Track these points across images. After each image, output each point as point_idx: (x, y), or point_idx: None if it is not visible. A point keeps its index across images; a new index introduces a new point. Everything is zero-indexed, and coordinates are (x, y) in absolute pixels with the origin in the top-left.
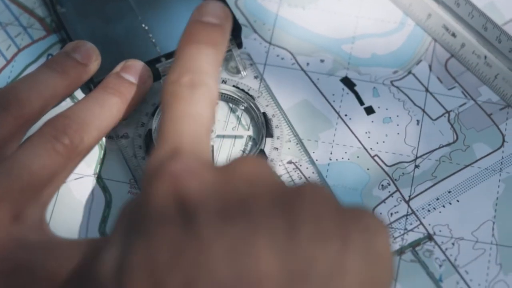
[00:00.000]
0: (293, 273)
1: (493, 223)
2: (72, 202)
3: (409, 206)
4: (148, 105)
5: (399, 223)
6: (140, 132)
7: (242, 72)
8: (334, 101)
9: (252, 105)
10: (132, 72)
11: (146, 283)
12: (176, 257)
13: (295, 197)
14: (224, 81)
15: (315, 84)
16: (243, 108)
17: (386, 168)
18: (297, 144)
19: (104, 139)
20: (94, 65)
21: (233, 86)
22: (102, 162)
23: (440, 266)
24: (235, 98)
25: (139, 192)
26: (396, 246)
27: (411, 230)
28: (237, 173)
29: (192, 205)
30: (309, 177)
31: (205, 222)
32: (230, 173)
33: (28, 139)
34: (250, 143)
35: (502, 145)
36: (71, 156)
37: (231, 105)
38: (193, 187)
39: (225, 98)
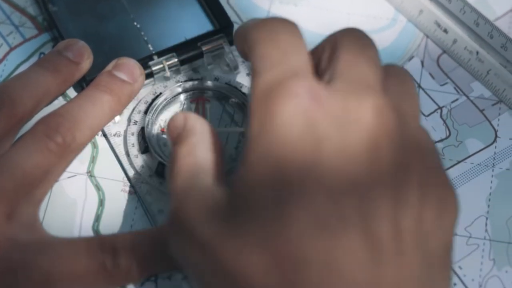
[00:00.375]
0: None
1: (486, 218)
2: (65, 201)
3: None
4: (141, 103)
5: None
6: (132, 130)
7: (234, 70)
8: None
9: (244, 102)
10: (124, 70)
11: None
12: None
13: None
14: (216, 79)
15: None
16: (234, 104)
17: None
18: None
19: (96, 137)
20: (86, 63)
21: (225, 83)
22: (95, 160)
23: None
24: (227, 95)
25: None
26: None
27: None
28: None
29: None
30: None
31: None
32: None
33: (21, 138)
34: (243, 139)
35: (495, 140)
36: (64, 154)
37: (223, 102)
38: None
39: (217, 95)
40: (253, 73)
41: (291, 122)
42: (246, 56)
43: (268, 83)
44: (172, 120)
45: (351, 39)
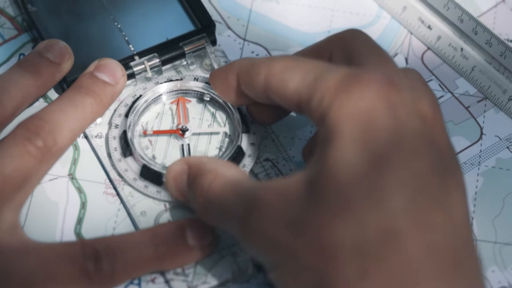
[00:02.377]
0: None
1: (472, 218)
2: (47, 204)
3: None
4: (121, 106)
5: None
6: (114, 134)
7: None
8: None
9: (226, 101)
10: (105, 71)
11: None
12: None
13: None
14: (196, 79)
15: None
16: (215, 103)
17: None
18: (273, 141)
19: (78, 138)
20: (67, 64)
21: (206, 83)
22: (77, 162)
23: None
24: (208, 94)
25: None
26: None
27: None
28: None
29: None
30: (286, 174)
31: None
32: None
33: (1, 142)
34: (227, 139)
35: (480, 137)
36: (45, 158)
37: (205, 102)
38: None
39: (198, 95)
40: (314, 79)
41: (374, 105)
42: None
43: (343, 76)
44: (171, 176)
45: (365, 38)
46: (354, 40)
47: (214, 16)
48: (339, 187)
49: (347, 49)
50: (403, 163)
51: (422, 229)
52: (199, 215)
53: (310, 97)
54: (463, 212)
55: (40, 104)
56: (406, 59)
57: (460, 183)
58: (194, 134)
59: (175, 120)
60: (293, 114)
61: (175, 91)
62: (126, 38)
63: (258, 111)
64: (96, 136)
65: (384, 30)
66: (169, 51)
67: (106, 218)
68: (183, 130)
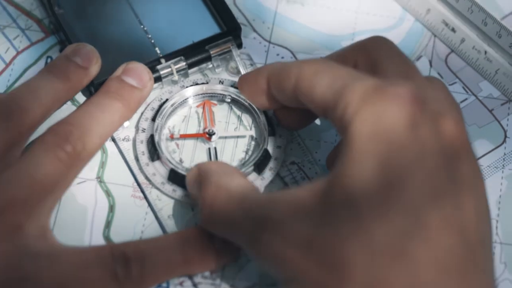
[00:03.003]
0: None
1: (497, 221)
2: (75, 207)
3: None
4: (147, 110)
5: None
6: (141, 138)
7: (242, 72)
8: None
9: (252, 104)
10: (133, 75)
11: None
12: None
13: None
14: (221, 82)
15: None
16: (241, 106)
17: None
18: (299, 144)
19: (105, 142)
20: (95, 68)
21: (231, 86)
22: (104, 165)
23: None
24: (234, 98)
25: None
26: None
27: None
28: None
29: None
30: (312, 178)
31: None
32: None
33: (31, 148)
34: (253, 143)
35: (504, 141)
36: (74, 163)
37: (230, 105)
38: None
39: (224, 98)
40: (341, 87)
41: (397, 123)
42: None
43: (368, 88)
44: (189, 179)
45: (389, 46)
46: (378, 48)
47: (240, 18)
48: (353, 205)
49: (371, 58)
50: (419, 185)
51: (433, 249)
52: (204, 227)
53: (335, 105)
54: (477, 232)
55: (68, 107)
56: (430, 62)
57: (478, 204)
58: (220, 137)
59: (201, 124)
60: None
61: (201, 94)
62: (152, 41)
63: (285, 116)
64: (123, 139)
65: (408, 32)
66: (195, 54)
67: (134, 221)
68: (210, 134)
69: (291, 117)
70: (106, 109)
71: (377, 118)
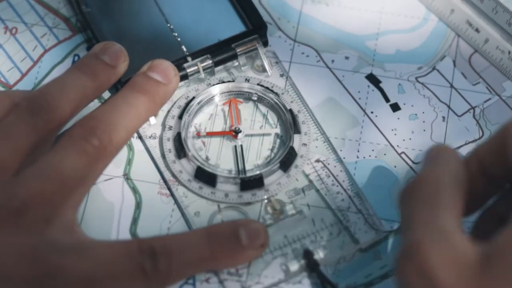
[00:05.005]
0: None
1: None
2: (103, 204)
3: None
4: (174, 108)
5: None
6: (168, 135)
7: (268, 71)
8: (360, 98)
9: (277, 102)
10: (158, 71)
11: None
12: None
13: None
14: (247, 80)
15: (340, 82)
16: (267, 104)
17: (413, 165)
18: (324, 142)
19: (132, 139)
20: (123, 66)
21: (257, 84)
22: (131, 162)
23: None
24: (260, 96)
25: None
26: None
27: None
28: None
29: None
30: (337, 176)
31: None
32: None
33: (58, 142)
34: (278, 140)
35: None
36: (101, 157)
37: (256, 103)
38: None
39: (250, 96)
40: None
41: None
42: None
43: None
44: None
45: None
46: None
47: (265, 17)
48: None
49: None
50: None
51: None
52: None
53: None
54: None
55: (94, 104)
56: (454, 62)
57: None
58: (246, 135)
59: (228, 122)
60: (343, 114)
61: (227, 92)
62: (179, 40)
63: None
64: (150, 137)
65: (432, 32)
66: (221, 53)
67: (160, 218)
68: (236, 132)
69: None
70: (131, 103)
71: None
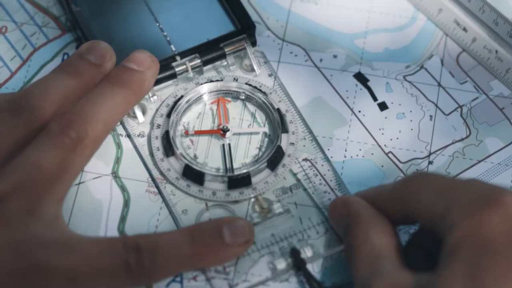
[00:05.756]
0: None
1: None
2: (91, 202)
3: None
4: (162, 106)
5: None
6: (156, 133)
7: (256, 70)
8: (347, 97)
9: (265, 101)
10: (134, 60)
11: None
12: None
13: None
14: (235, 79)
15: (328, 81)
16: (255, 103)
17: (400, 165)
18: (312, 141)
19: (121, 137)
20: (109, 65)
21: (245, 83)
22: (120, 161)
23: None
24: (248, 95)
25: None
26: None
27: None
28: None
29: None
30: (324, 175)
31: None
32: None
33: (36, 137)
34: (266, 139)
35: None
36: (79, 149)
37: (244, 102)
38: None
39: (238, 95)
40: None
41: (497, 231)
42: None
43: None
44: (332, 207)
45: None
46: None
47: (254, 16)
48: None
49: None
50: None
51: None
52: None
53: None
54: None
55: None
56: (442, 61)
57: None
58: (234, 134)
59: (216, 120)
60: (331, 114)
61: (216, 91)
62: (168, 39)
63: None
64: (138, 135)
65: (420, 31)
66: (210, 52)
67: (148, 216)
68: (224, 130)
69: None
70: (107, 95)
71: (479, 228)
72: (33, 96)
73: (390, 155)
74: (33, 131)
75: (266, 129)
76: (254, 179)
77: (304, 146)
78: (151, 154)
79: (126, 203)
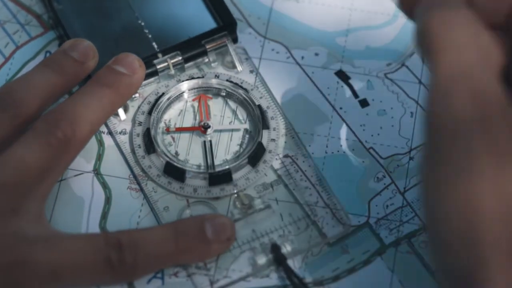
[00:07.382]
0: None
1: None
2: (72, 199)
3: (404, 198)
4: (144, 104)
5: (395, 215)
6: (137, 131)
7: (238, 67)
8: (329, 94)
9: (246, 98)
10: (122, 63)
11: None
12: None
13: None
14: (217, 76)
15: (310, 78)
16: (236, 100)
17: (381, 161)
18: (293, 137)
19: (102, 135)
20: (92, 62)
21: (226, 80)
22: (101, 158)
23: None
24: (229, 92)
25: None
26: (392, 238)
27: (407, 221)
28: None
29: None
30: (305, 171)
31: None
32: None
33: (22, 135)
34: (247, 136)
35: None
36: (65, 149)
37: (225, 99)
38: None
39: (219, 92)
40: None
41: None
42: None
43: None
44: None
45: None
46: None
47: (235, 14)
48: None
49: None
50: None
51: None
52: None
53: None
54: None
55: (64, 99)
56: (423, 58)
57: None
58: (215, 131)
59: (197, 117)
60: (312, 110)
61: (197, 88)
62: (150, 36)
63: None
64: (120, 133)
65: (401, 29)
66: (191, 49)
67: (130, 213)
68: (205, 127)
69: None
70: (94, 96)
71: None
72: (16, 90)
73: (371, 150)
74: (17, 126)
75: (247, 125)
76: (235, 176)
77: (285, 142)
78: (133, 152)
79: (108, 200)
